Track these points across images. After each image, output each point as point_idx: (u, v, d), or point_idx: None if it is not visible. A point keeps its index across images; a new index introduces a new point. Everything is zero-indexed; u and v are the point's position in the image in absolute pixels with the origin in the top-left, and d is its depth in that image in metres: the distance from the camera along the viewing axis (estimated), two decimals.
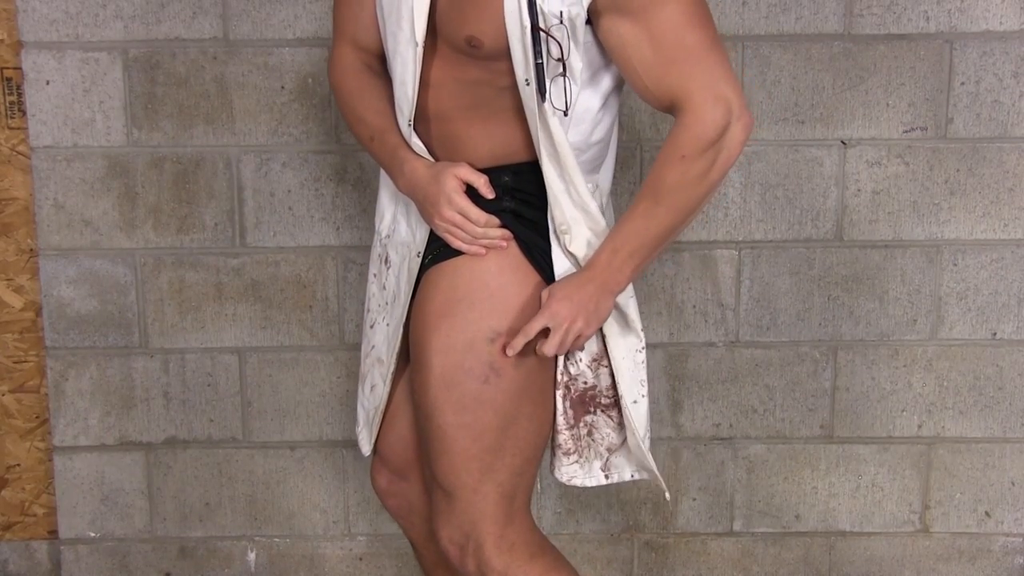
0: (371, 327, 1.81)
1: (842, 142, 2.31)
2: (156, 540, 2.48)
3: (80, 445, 2.43)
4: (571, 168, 1.56)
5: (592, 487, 1.74)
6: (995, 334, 2.38)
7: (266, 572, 2.50)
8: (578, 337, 1.59)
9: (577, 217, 1.59)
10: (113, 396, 2.41)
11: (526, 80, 1.50)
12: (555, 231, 1.61)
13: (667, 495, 1.74)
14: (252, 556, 2.49)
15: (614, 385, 1.67)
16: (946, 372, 2.40)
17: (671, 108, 1.52)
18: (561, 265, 1.62)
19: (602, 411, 1.68)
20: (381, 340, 1.78)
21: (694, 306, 2.38)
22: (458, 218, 1.59)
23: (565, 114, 1.54)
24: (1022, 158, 2.31)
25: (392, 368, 1.76)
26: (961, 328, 2.38)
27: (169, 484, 2.45)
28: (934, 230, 2.34)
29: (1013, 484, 2.45)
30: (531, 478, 1.68)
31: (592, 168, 1.63)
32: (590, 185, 1.62)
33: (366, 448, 1.85)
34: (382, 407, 1.80)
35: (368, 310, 1.82)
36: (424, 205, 1.64)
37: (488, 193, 1.60)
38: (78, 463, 2.44)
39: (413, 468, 1.87)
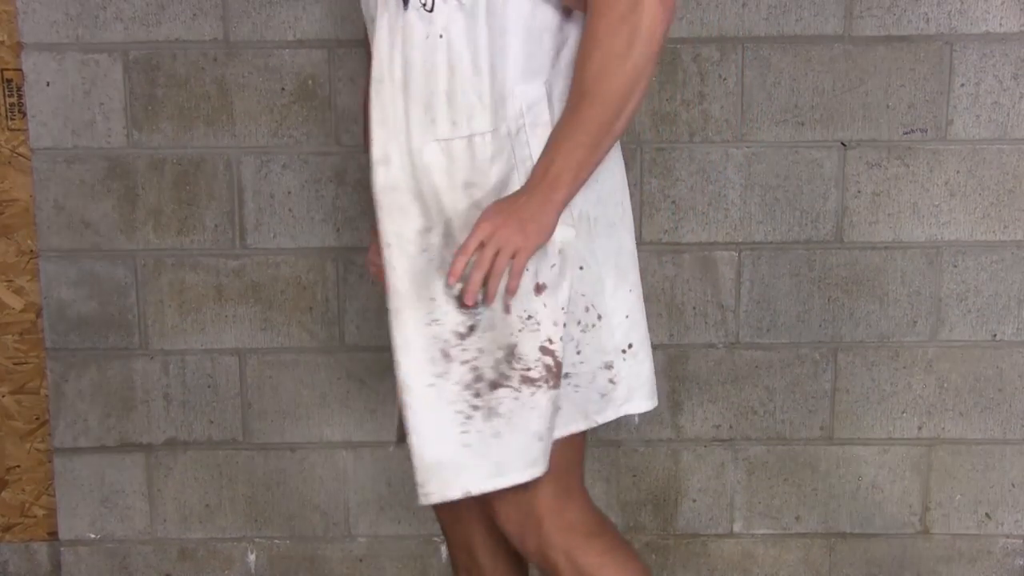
0: None
1: (842, 143, 2.31)
2: (156, 541, 2.48)
3: (80, 446, 2.43)
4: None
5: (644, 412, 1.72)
6: (995, 336, 2.38)
7: (266, 573, 2.50)
8: (516, 252, 1.49)
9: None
10: (113, 397, 2.41)
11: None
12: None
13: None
14: (252, 557, 2.49)
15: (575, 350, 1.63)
16: (946, 374, 2.40)
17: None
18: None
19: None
20: None
21: (694, 307, 2.38)
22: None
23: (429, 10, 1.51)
24: (1022, 160, 2.31)
25: None
26: (961, 330, 2.38)
27: (169, 485, 2.45)
28: (934, 232, 2.34)
29: (1013, 486, 2.45)
30: (582, 452, 1.65)
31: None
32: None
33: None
34: None
35: None
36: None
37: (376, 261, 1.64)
38: (78, 464, 2.44)
39: None
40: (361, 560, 2.50)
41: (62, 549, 2.48)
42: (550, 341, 1.55)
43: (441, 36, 1.53)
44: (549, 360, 1.56)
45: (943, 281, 2.36)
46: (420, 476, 1.57)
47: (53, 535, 2.51)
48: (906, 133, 2.31)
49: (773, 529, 2.48)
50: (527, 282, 1.55)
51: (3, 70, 2.32)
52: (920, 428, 2.43)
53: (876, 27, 2.26)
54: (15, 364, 2.44)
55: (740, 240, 2.35)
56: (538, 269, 1.56)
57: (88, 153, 2.31)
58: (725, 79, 2.29)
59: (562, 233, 1.56)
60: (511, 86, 1.54)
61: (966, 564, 2.47)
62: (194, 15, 2.26)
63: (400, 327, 1.56)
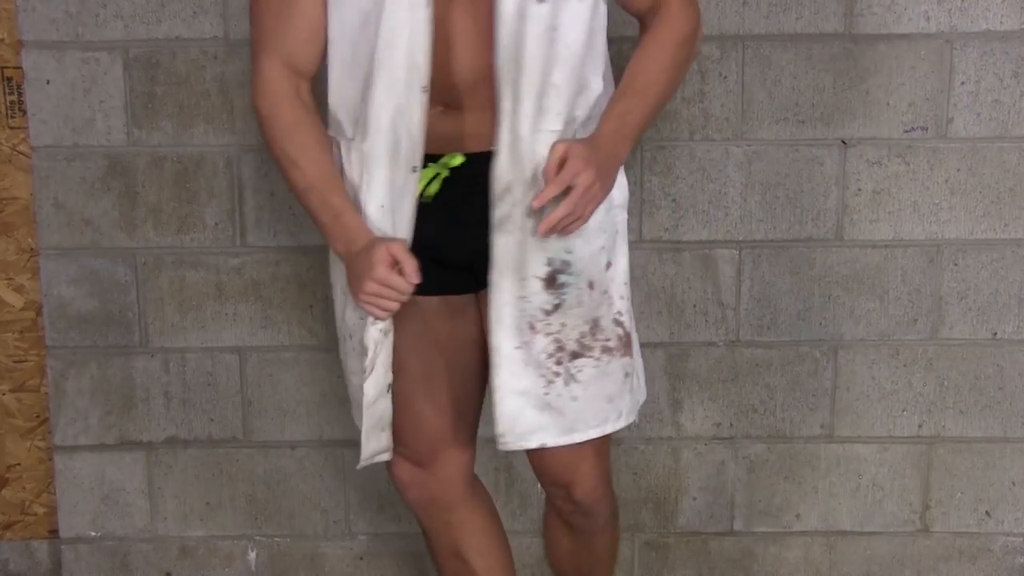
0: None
1: (843, 142, 2.31)
2: (157, 539, 2.48)
3: (80, 444, 2.43)
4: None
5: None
6: (995, 334, 2.38)
7: (266, 571, 2.50)
8: (589, 203, 1.60)
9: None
10: (113, 395, 2.41)
11: None
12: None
13: None
14: (252, 556, 2.49)
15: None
16: (947, 372, 2.40)
17: (650, 11, 1.70)
18: None
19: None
20: None
21: (694, 305, 2.38)
22: (379, 288, 1.60)
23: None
24: (1022, 158, 2.31)
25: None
26: (961, 328, 2.38)
27: (170, 483, 2.46)
28: (934, 230, 2.34)
29: (1014, 484, 2.45)
30: None
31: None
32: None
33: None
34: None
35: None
36: (351, 277, 1.65)
37: (414, 278, 1.59)
38: (78, 462, 2.44)
39: (435, 456, 1.89)
40: (361, 558, 2.50)
41: (62, 547, 2.48)
42: (620, 313, 1.77)
43: (556, 29, 1.60)
44: (620, 331, 1.77)
45: (943, 279, 2.36)
46: (501, 427, 1.72)
47: (53, 533, 2.51)
48: (907, 131, 2.31)
49: (773, 527, 2.48)
50: (601, 260, 1.74)
51: (3, 68, 2.32)
52: (920, 426, 2.43)
53: (876, 25, 2.26)
54: (15, 362, 2.44)
55: (740, 238, 2.35)
56: (607, 247, 1.75)
57: (88, 151, 2.31)
58: (725, 77, 2.29)
59: (621, 215, 1.79)
60: (588, 78, 1.67)
61: (966, 562, 2.47)
62: (194, 13, 2.26)
63: (497, 297, 1.68)
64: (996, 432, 2.42)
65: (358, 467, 1.83)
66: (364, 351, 1.73)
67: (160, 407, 2.42)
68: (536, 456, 1.85)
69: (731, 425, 2.43)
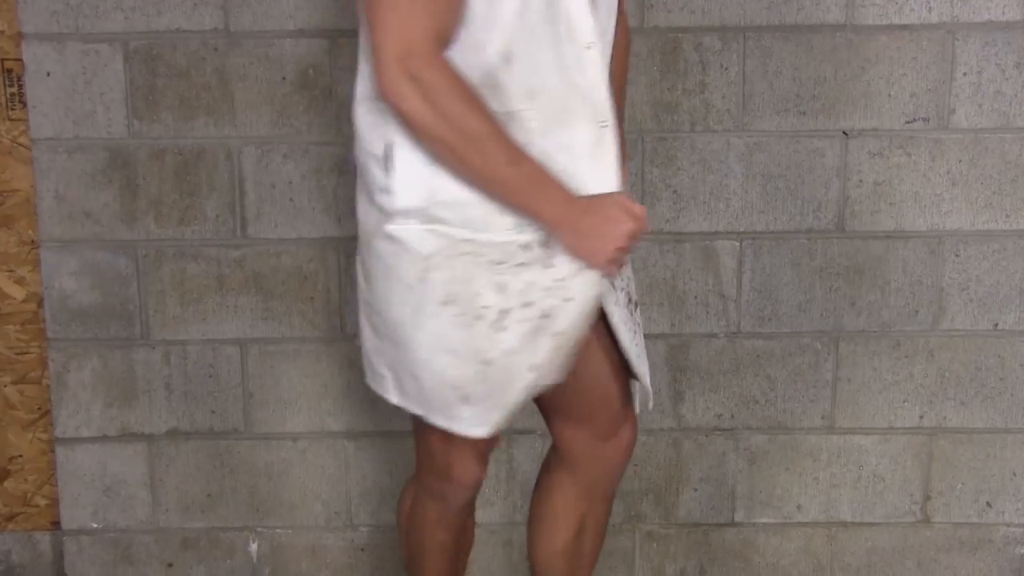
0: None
1: (844, 133, 2.31)
2: (158, 531, 2.48)
3: (82, 436, 2.43)
4: None
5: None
6: (997, 325, 2.38)
7: (268, 563, 2.50)
8: None
9: None
10: (115, 387, 2.41)
11: None
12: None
13: None
14: (254, 547, 2.49)
15: None
16: (948, 363, 2.40)
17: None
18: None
19: None
20: None
21: (695, 297, 2.38)
22: (625, 241, 1.59)
23: None
24: None
25: None
26: (963, 319, 2.38)
27: (171, 475, 2.46)
28: (936, 221, 2.34)
29: (1015, 475, 2.45)
30: None
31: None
32: None
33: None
34: None
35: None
36: (580, 237, 1.58)
37: (646, 225, 1.61)
38: (80, 454, 2.44)
39: (492, 440, 1.88)
40: (363, 550, 2.50)
41: (64, 539, 2.48)
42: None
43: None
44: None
45: (945, 270, 2.36)
46: (644, 392, 1.84)
47: (55, 525, 2.52)
48: (908, 122, 2.30)
49: (774, 518, 2.48)
50: None
51: (3, 60, 2.31)
52: (921, 417, 2.43)
53: (878, 16, 2.26)
54: (17, 354, 2.45)
55: (741, 229, 2.35)
56: None
57: (89, 143, 2.31)
58: (727, 68, 2.29)
59: None
60: None
61: (967, 553, 2.48)
62: (195, 5, 2.26)
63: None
64: (997, 423, 2.43)
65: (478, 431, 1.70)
66: (548, 315, 1.62)
67: (161, 399, 2.42)
68: (602, 411, 1.82)
69: (732, 416, 2.44)
